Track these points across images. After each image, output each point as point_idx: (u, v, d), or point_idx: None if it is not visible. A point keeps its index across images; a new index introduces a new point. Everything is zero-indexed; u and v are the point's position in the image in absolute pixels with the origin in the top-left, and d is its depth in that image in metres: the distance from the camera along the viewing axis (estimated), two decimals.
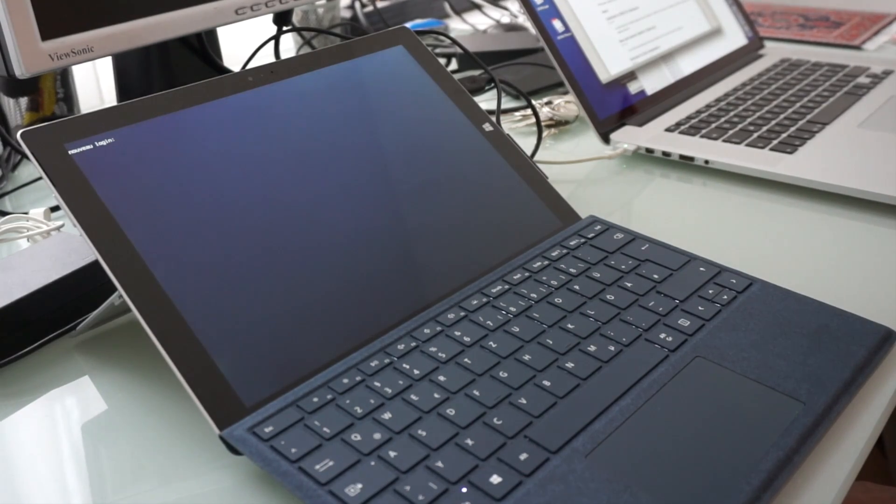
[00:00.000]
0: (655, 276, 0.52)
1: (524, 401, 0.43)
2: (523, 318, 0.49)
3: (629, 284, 0.52)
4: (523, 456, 0.39)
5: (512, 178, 0.59)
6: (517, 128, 0.85)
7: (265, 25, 0.90)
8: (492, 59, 1.01)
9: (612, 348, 0.46)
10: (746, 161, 0.71)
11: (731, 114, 0.83)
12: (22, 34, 0.60)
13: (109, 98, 1.01)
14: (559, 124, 0.86)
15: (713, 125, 0.79)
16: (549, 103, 0.86)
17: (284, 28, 0.89)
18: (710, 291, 0.51)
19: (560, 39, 0.80)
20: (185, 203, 0.48)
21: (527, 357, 0.46)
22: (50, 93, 0.86)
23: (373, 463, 0.39)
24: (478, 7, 1.27)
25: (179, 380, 0.42)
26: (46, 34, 0.62)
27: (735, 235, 0.62)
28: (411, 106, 0.60)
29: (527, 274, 0.53)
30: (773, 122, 0.80)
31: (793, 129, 0.79)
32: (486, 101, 0.91)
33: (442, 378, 0.44)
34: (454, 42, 0.87)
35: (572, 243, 0.56)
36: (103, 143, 0.48)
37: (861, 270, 0.57)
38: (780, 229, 0.63)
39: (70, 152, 0.47)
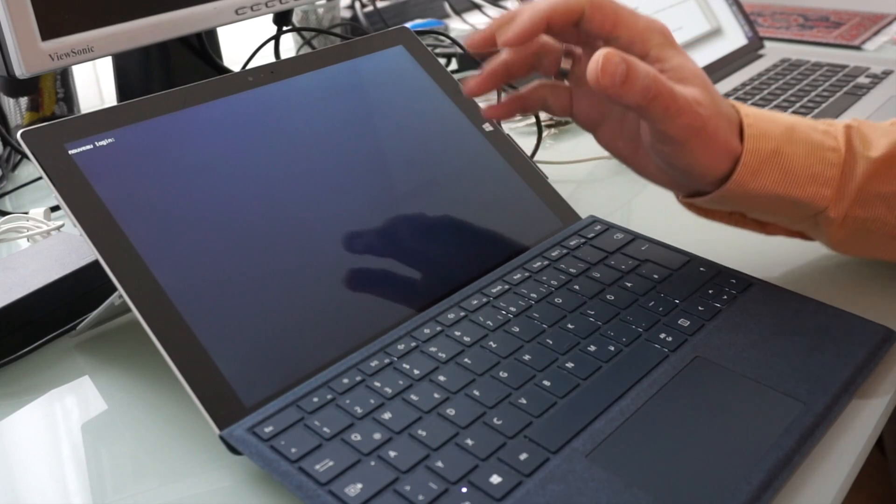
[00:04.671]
0: (655, 277, 0.52)
1: (524, 401, 0.43)
2: (523, 318, 0.49)
3: (629, 284, 0.52)
4: (523, 456, 0.39)
5: (512, 178, 0.59)
6: (517, 128, 0.85)
7: (265, 25, 0.90)
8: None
9: (612, 348, 0.46)
10: None
11: None
12: (22, 34, 0.60)
13: (109, 98, 1.01)
14: (559, 124, 0.86)
15: None
16: None
17: (284, 28, 0.89)
18: (710, 291, 0.51)
19: None
20: (185, 203, 0.48)
21: (527, 357, 0.46)
22: (50, 93, 0.86)
23: (373, 463, 0.39)
24: (478, 7, 1.27)
25: (179, 380, 0.42)
26: (46, 34, 0.62)
27: (735, 235, 0.62)
28: (411, 106, 0.60)
29: (527, 274, 0.53)
30: None
31: None
32: (486, 102, 0.90)
33: (442, 378, 0.44)
34: (454, 42, 0.87)
35: (572, 243, 0.56)
36: (103, 143, 0.48)
37: (861, 270, 0.57)
38: None
39: (70, 152, 0.47)
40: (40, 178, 0.78)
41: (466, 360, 0.45)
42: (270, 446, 0.40)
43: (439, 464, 0.39)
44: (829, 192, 0.49)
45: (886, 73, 0.91)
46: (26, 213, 0.68)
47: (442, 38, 1.03)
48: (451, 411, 0.42)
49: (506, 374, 0.44)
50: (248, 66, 0.82)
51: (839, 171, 0.49)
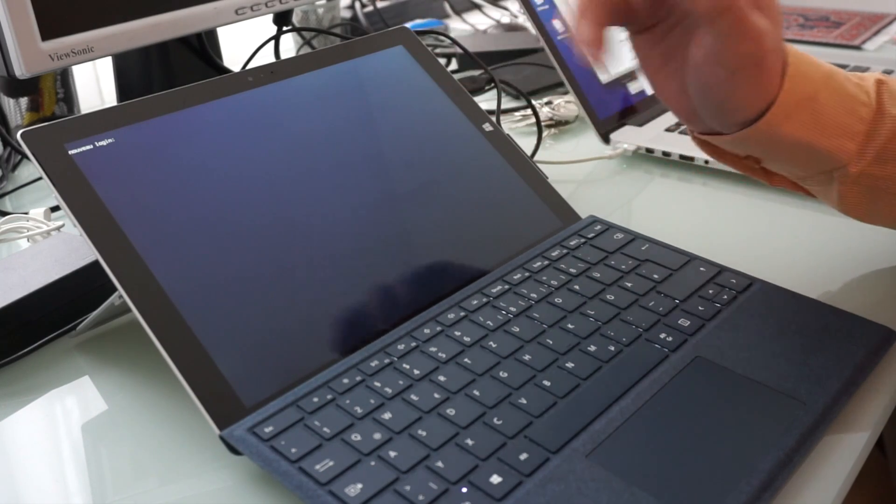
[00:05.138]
0: (655, 276, 0.52)
1: (524, 401, 0.42)
2: (523, 318, 0.49)
3: (629, 284, 0.52)
4: (523, 456, 0.39)
5: (512, 178, 0.59)
6: (517, 128, 0.85)
7: (265, 25, 0.90)
8: (492, 59, 1.01)
9: (612, 348, 0.46)
10: None
11: None
12: (22, 34, 0.60)
13: (109, 98, 1.01)
14: (559, 124, 0.86)
15: None
16: (549, 103, 0.86)
17: (284, 28, 0.89)
18: (710, 291, 0.51)
19: (560, 39, 0.80)
20: (185, 203, 0.48)
21: (527, 357, 0.46)
22: (50, 93, 0.86)
23: (373, 463, 0.39)
24: (478, 7, 1.27)
25: (179, 380, 0.42)
26: (46, 34, 0.62)
27: (735, 235, 0.62)
28: (411, 106, 0.60)
29: (527, 274, 0.53)
30: None
31: None
32: (486, 101, 0.91)
33: (442, 378, 0.44)
34: (454, 42, 0.87)
35: (572, 243, 0.56)
36: (103, 143, 0.48)
37: (861, 270, 0.57)
38: (781, 229, 0.63)
39: (70, 152, 0.47)
40: (40, 178, 0.78)
41: (466, 360, 0.45)
42: (270, 446, 0.40)
43: (439, 464, 0.39)
44: (853, 147, 0.47)
45: (887, 74, 0.91)
46: (26, 213, 0.68)
47: (442, 38, 1.03)
48: (451, 411, 0.42)
49: (506, 374, 0.44)
50: (248, 66, 0.82)
51: (867, 126, 0.47)
